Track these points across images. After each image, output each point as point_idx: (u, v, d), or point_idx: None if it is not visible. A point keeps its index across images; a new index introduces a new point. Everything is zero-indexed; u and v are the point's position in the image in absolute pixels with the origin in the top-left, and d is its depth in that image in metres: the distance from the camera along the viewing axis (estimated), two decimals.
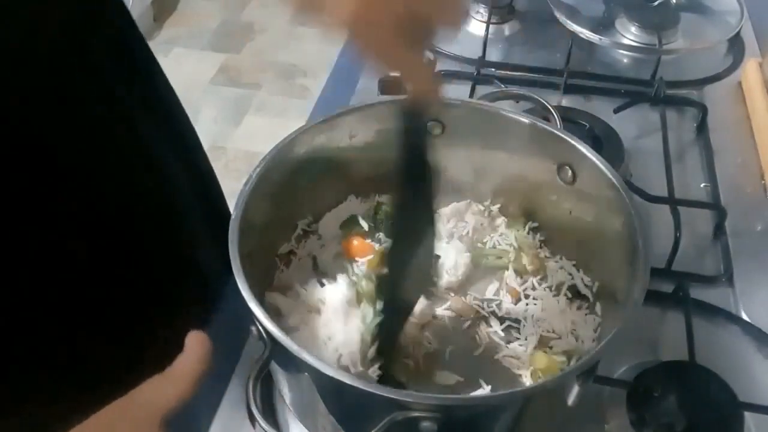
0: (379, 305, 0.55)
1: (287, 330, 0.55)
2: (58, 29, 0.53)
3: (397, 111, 0.48)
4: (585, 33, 0.95)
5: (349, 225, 0.65)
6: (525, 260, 0.63)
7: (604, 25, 0.99)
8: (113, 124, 0.59)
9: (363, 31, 0.39)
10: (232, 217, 0.53)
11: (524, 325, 0.59)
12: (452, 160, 0.66)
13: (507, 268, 0.63)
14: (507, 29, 1.01)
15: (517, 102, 0.76)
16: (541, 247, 0.65)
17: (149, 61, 0.67)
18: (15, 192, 0.50)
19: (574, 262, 0.63)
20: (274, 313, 0.57)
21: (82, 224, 0.56)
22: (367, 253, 0.62)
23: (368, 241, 0.63)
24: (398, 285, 0.52)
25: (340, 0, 0.38)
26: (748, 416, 0.56)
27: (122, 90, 0.61)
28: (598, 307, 0.59)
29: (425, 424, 0.43)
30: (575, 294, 0.61)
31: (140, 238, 0.62)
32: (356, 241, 0.63)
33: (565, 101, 0.88)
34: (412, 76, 0.44)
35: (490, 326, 0.59)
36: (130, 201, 0.61)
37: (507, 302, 0.61)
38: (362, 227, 0.64)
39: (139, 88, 0.63)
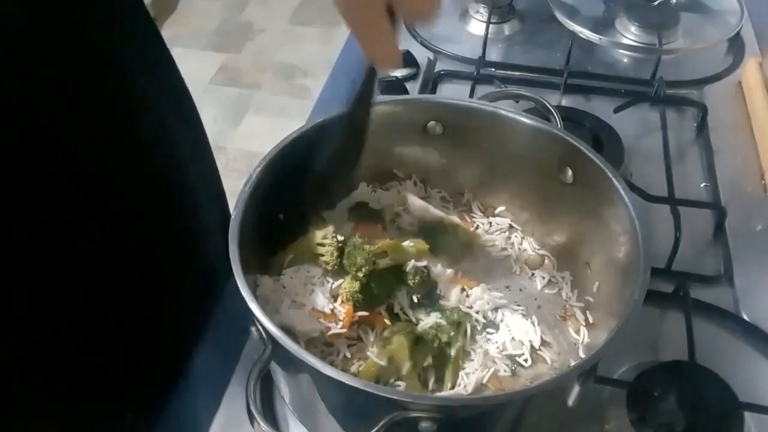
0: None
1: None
2: (70, 17, 0.53)
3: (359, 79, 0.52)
4: (585, 33, 0.95)
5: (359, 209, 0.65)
6: (526, 261, 0.63)
7: (604, 25, 0.99)
8: (132, 113, 0.59)
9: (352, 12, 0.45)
10: (232, 217, 0.53)
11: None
12: (453, 160, 0.66)
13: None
14: (507, 29, 1.01)
15: (517, 102, 0.76)
16: (541, 248, 0.65)
17: (165, 51, 0.67)
18: (21, 181, 0.50)
19: (573, 262, 0.63)
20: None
21: (86, 219, 0.56)
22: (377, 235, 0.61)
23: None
24: None
25: None
26: (748, 416, 0.56)
27: (143, 80, 0.61)
28: (598, 307, 0.59)
29: (425, 424, 0.43)
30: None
31: (146, 234, 0.62)
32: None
33: (565, 101, 0.88)
34: (375, 45, 0.48)
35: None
36: (137, 196, 0.61)
37: None
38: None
39: (159, 78, 0.63)
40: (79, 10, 0.54)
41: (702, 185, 0.79)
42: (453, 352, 0.55)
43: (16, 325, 0.53)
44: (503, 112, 0.62)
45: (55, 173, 0.53)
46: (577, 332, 0.58)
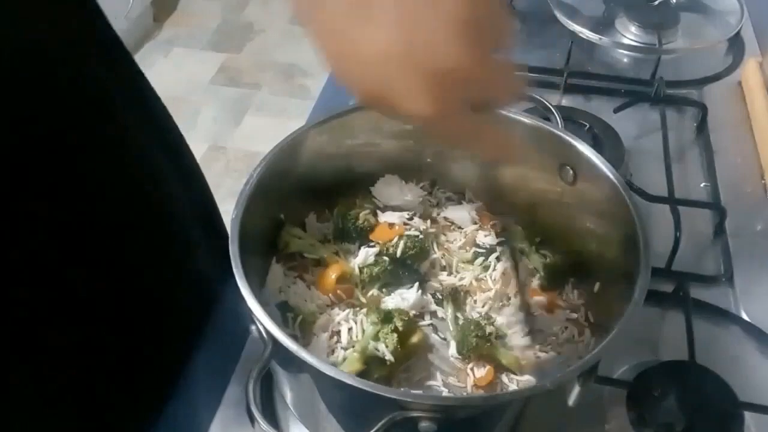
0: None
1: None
2: (43, 34, 0.53)
3: None
4: (585, 33, 0.95)
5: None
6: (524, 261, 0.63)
7: (604, 25, 0.99)
8: (103, 127, 0.59)
9: (437, 123, 0.40)
10: (232, 216, 0.53)
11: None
12: (453, 160, 0.66)
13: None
14: None
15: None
16: (541, 248, 0.65)
17: (135, 67, 0.67)
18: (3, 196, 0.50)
19: (572, 261, 0.63)
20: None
21: (72, 229, 0.56)
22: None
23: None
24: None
25: (414, 105, 0.38)
26: (748, 416, 0.56)
27: (111, 92, 0.61)
28: (598, 307, 0.59)
29: (425, 424, 0.43)
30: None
31: (133, 241, 0.62)
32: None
33: (565, 101, 0.88)
34: (487, 146, 0.45)
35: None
36: (122, 204, 0.61)
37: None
38: None
39: (128, 92, 0.63)
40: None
41: (702, 185, 0.79)
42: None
43: (15, 327, 0.53)
44: (504, 112, 0.62)
45: (52, 181, 0.53)
46: (579, 333, 0.59)
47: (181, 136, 0.73)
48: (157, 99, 0.69)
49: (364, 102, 0.40)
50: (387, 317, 0.54)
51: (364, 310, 0.58)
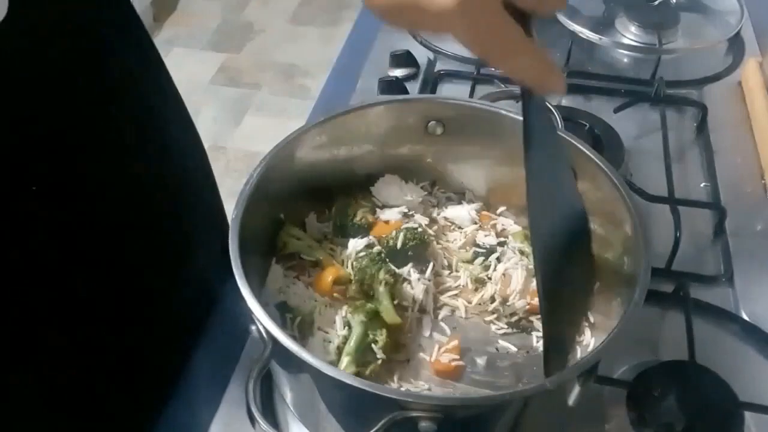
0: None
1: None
2: (42, 34, 0.53)
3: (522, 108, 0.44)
4: (585, 33, 0.95)
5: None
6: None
7: (604, 25, 0.99)
8: (103, 127, 0.59)
9: (467, 26, 0.36)
10: (232, 216, 0.53)
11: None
12: (452, 160, 0.66)
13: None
14: None
15: (518, 102, 0.76)
16: None
17: (153, 55, 0.67)
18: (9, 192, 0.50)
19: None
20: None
21: (72, 229, 0.56)
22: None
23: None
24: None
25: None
26: (748, 416, 0.56)
27: (113, 92, 0.61)
28: (598, 307, 0.59)
29: (425, 424, 0.43)
30: None
31: (133, 241, 0.62)
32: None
33: (565, 101, 0.88)
34: (523, 65, 0.39)
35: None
36: (121, 204, 0.61)
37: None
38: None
39: (130, 92, 0.63)
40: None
41: (702, 185, 0.79)
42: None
43: (15, 327, 0.53)
44: (503, 111, 0.63)
45: (52, 181, 0.53)
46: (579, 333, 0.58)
47: (191, 134, 0.73)
48: (167, 97, 0.69)
49: (388, 13, 0.38)
50: (374, 314, 0.55)
51: (349, 309, 0.57)
